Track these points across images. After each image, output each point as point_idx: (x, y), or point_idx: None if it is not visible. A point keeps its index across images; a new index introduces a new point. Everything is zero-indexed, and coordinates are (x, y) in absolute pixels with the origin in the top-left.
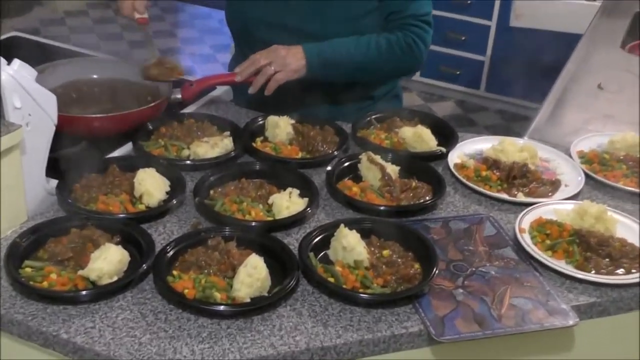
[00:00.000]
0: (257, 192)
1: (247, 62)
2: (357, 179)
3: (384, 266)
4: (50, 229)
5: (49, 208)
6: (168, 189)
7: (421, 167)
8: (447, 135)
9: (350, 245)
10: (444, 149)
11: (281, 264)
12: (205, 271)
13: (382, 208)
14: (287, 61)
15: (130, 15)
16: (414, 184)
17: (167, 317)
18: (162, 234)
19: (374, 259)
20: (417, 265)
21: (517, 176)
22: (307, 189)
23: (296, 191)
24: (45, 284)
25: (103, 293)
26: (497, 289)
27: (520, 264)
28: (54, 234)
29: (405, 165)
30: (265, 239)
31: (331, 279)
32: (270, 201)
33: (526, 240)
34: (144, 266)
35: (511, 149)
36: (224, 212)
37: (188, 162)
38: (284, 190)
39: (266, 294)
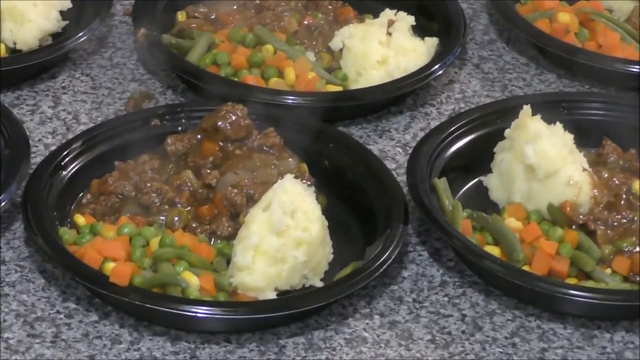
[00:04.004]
0: (304, 20)
1: None
2: None
3: (634, 223)
4: None
5: None
6: (68, 4)
7: None
8: None
9: (545, 161)
10: None
11: (361, 207)
12: (161, 219)
13: (635, 69)
14: None
15: None
16: None
17: (58, 332)
18: (50, 120)
19: (609, 199)
20: None
21: None
22: (432, 17)
23: (406, 19)
24: None
25: None
26: None
27: None
28: None
29: None
30: (320, 141)
31: (493, 249)
32: (336, 44)
33: None
34: (3, 198)
35: None
36: (217, 69)
37: None
38: (373, 16)
39: (319, 282)
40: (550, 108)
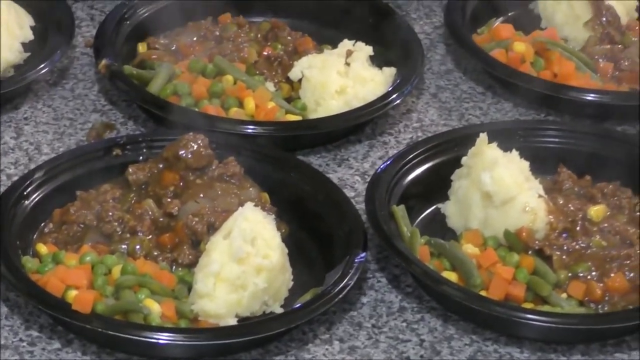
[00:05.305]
0: (263, 50)
1: None
2: (523, 24)
3: (589, 249)
4: None
5: None
6: (29, 36)
7: None
8: None
9: (502, 188)
10: None
11: (321, 234)
12: (123, 247)
13: (589, 97)
14: None
15: None
16: None
17: None
18: (12, 150)
19: (564, 225)
20: None
21: None
22: (390, 47)
23: (365, 49)
24: None
25: None
26: None
27: None
28: None
29: None
30: (280, 169)
31: (451, 275)
32: (295, 74)
33: None
34: None
35: None
36: (177, 99)
37: None
38: (331, 46)
39: (279, 309)
40: (506, 136)
